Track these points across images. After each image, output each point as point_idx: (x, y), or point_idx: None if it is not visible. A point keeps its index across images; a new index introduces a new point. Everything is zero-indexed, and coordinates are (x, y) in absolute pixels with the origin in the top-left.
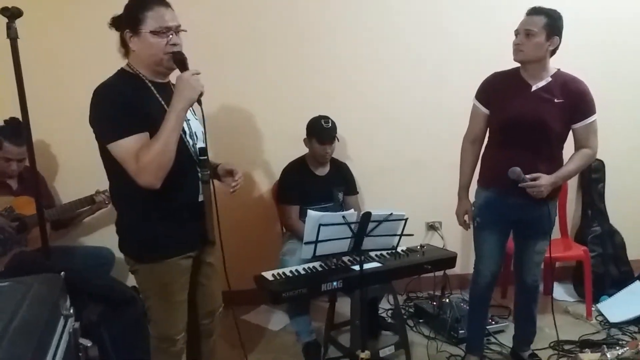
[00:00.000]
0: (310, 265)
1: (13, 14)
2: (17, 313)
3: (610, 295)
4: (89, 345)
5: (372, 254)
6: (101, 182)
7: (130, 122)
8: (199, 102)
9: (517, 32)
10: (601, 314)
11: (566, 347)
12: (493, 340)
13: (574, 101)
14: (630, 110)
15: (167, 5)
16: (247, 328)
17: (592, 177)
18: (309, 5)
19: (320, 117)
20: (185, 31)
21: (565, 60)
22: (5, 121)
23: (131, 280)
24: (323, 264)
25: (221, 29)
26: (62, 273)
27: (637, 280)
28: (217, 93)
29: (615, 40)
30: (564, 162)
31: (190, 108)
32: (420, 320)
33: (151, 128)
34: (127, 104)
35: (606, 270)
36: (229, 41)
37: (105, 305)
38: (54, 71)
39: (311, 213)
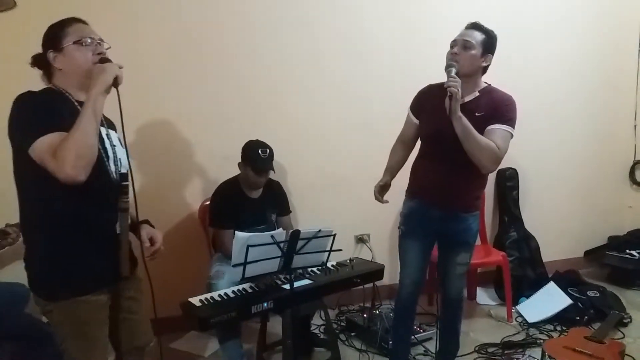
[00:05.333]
0: (240, 287)
1: None
2: None
3: (528, 296)
4: None
5: (303, 271)
6: (12, 214)
7: (50, 122)
8: (116, 86)
9: (454, 43)
10: (520, 315)
11: (490, 349)
12: (421, 349)
13: (493, 111)
14: (539, 120)
15: (85, 22)
16: (176, 356)
17: (507, 185)
18: (234, 27)
19: (257, 145)
20: (109, 47)
21: None
22: None
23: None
24: (253, 285)
25: (151, 46)
26: None
27: (551, 281)
28: (144, 111)
29: (520, 49)
30: (486, 180)
31: (116, 135)
32: (352, 334)
33: None
34: (48, 109)
35: (524, 273)
36: (159, 60)
37: (20, 343)
38: None
39: (238, 234)
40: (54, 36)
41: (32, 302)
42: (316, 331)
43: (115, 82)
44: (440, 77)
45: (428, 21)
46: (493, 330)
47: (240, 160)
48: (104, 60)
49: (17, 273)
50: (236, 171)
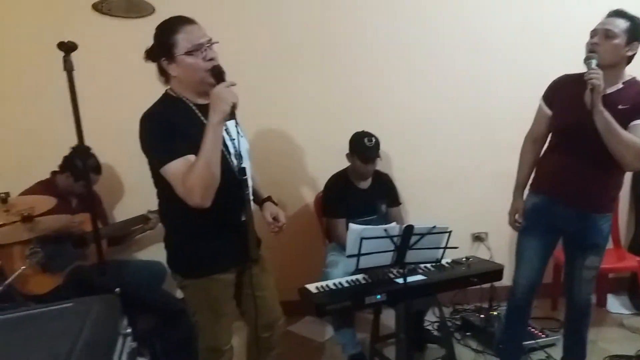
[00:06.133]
0: (354, 277)
1: (69, 47)
2: (80, 334)
3: None
4: None
5: (416, 266)
6: (152, 201)
7: (175, 146)
8: (233, 113)
9: (594, 33)
10: None
11: None
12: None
13: (638, 104)
14: None
15: (193, 22)
16: (294, 339)
17: None
18: (346, 20)
19: (363, 135)
20: (217, 42)
21: None
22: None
23: (181, 293)
24: (366, 277)
25: (258, 44)
26: (117, 289)
27: None
28: (257, 107)
29: None
30: (623, 179)
31: (232, 124)
32: (468, 334)
33: (196, 150)
34: (171, 129)
35: None
36: (268, 56)
37: (158, 317)
38: (109, 97)
39: (352, 226)
40: (166, 45)
41: (167, 279)
42: (430, 328)
43: (233, 111)
44: (564, 70)
45: (547, 12)
46: (626, 342)
47: (348, 152)
48: (217, 70)
49: (155, 253)
50: (347, 164)
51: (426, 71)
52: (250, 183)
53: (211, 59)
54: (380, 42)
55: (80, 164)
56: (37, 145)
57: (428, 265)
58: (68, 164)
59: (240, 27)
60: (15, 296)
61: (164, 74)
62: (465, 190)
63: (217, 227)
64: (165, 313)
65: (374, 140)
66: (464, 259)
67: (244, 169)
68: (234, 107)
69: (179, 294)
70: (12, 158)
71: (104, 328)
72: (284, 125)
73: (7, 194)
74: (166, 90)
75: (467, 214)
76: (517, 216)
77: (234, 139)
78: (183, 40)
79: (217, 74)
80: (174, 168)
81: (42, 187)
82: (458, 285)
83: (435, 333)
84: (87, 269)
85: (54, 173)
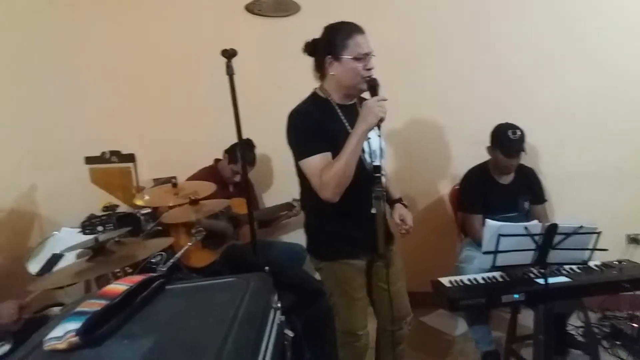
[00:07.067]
0: (490, 274)
1: (230, 54)
2: (241, 304)
3: None
4: (292, 335)
5: (560, 267)
6: (297, 191)
7: (316, 143)
8: (379, 126)
9: None
10: None
11: None
12: None
13: None
14: None
15: (363, 32)
16: (426, 330)
17: None
18: (497, 11)
19: (507, 127)
20: (375, 56)
21: None
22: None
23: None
24: (504, 275)
25: (399, 35)
26: (267, 268)
27: None
28: (401, 100)
29: None
30: None
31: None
32: (617, 342)
33: (334, 148)
34: (314, 127)
35: None
36: (410, 47)
37: (297, 295)
38: (261, 93)
39: (489, 223)
40: (335, 45)
41: (307, 261)
42: (573, 332)
43: (379, 124)
44: None
45: None
46: None
47: (489, 144)
48: (373, 82)
49: (297, 237)
50: (487, 157)
51: (579, 60)
52: (382, 180)
53: (370, 69)
54: (527, 30)
55: (240, 154)
56: (199, 138)
57: (573, 266)
58: (231, 150)
59: (387, 22)
60: (182, 268)
61: (321, 69)
62: (620, 187)
63: (348, 216)
64: (304, 292)
65: (518, 132)
66: (615, 262)
67: (377, 167)
68: (381, 120)
69: (318, 276)
70: (179, 148)
71: (260, 301)
72: (425, 117)
73: (175, 179)
74: (314, 90)
75: (621, 213)
76: None
77: (369, 138)
78: (353, 45)
79: (372, 86)
80: (313, 162)
81: (206, 173)
82: (607, 290)
83: (580, 338)
84: (240, 247)
85: (216, 160)
